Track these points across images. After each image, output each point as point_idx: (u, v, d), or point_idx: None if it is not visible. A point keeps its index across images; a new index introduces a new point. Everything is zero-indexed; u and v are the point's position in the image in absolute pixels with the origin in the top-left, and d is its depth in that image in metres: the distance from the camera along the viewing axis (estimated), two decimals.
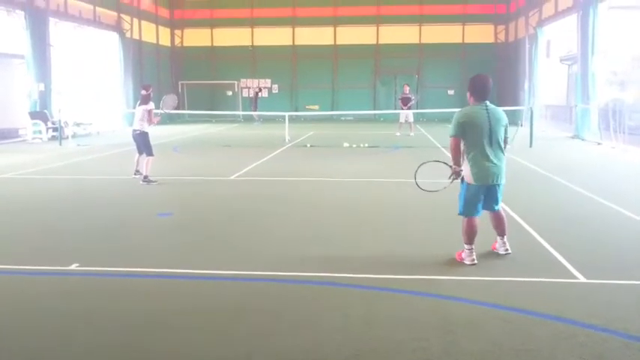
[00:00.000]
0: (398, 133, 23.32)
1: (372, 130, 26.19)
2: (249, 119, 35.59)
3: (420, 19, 36.91)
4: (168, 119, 11.60)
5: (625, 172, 13.62)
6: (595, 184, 11.26)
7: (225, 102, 37.63)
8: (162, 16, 37.39)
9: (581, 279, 5.74)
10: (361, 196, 10.50)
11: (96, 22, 28.44)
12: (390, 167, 14.33)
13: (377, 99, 36.43)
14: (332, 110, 34.95)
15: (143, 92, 12.19)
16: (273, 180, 12.51)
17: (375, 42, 37.46)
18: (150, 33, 35.26)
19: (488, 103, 6.16)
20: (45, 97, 23.19)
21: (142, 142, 12.02)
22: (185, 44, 39.16)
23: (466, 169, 6.17)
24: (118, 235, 7.77)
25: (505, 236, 6.52)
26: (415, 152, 17.57)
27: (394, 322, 4.74)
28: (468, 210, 6.23)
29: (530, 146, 18.24)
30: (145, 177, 11.77)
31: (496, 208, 6.36)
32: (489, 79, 6.24)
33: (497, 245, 6.58)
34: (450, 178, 6.31)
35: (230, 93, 38.48)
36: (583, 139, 21.03)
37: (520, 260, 6.41)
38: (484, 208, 6.33)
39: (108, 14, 29.75)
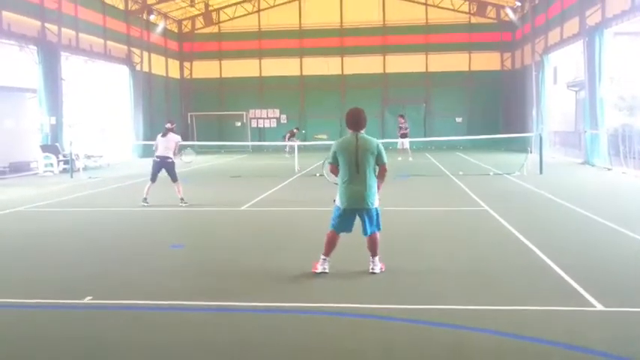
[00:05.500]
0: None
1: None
2: (257, 150, 35.77)
3: (427, 48, 37.25)
4: (177, 151, 12.53)
5: (638, 198, 13.53)
6: (608, 211, 11.17)
7: (234, 133, 37.88)
8: (172, 48, 37.94)
9: (599, 307, 5.66)
10: None
11: (106, 55, 28.89)
12: (401, 195, 14.28)
13: (385, 128, 36.54)
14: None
15: (168, 125, 13.12)
16: (283, 210, 12.53)
17: (382, 71, 37.77)
18: (159, 65, 35.75)
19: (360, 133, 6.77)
20: (56, 131, 23.44)
21: (170, 170, 12.84)
22: (194, 76, 39.64)
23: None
24: (131, 267, 7.76)
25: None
26: (426, 180, 17.57)
27: (409, 352, 4.69)
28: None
29: (541, 173, 18.19)
30: (182, 199, 12.81)
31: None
32: (357, 111, 6.85)
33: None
34: None
35: (239, 124, 38.76)
36: (593, 165, 20.97)
37: (535, 288, 6.35)
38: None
39: (118, 48, 30.22)
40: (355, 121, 6.78)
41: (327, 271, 6.86)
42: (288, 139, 30.51)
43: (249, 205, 13.12)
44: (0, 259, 8.39)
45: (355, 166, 6.64)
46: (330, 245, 6.89)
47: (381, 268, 6.91)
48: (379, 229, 6.88)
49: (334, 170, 6.94)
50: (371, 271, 6.83)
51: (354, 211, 6.77)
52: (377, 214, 6.82)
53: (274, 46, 38.16)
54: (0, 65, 22.22)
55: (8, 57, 22.50)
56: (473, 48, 37.11)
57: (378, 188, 6.87)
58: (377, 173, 6.83)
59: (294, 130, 31.58)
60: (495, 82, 36.93)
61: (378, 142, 6.82)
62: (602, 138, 20.88)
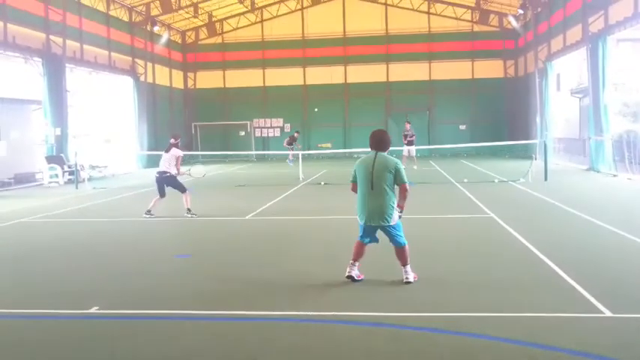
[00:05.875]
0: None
1: None
2: (261, 159, 35.87)
3: (430, 56, 37.33)
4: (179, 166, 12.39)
5: None
6: (615, 217, 11.14)
7: (238, 142, 37.97)
8: (176, 59, 38.10)
9: (608, 313, 5.63)
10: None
11: (111, 67, 29.02)
12: (406, 203, 14.21)
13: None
14: (344, 148, 35.15)
15: (172, 141, 13.05)
16: (288, 219, 12.52)
17: (385, 79, 37.84)
18: (163, 76, 35.89)
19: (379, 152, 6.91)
20: (61, 142, 23.53)
21: (173, 184, 12.83)
22: (198, 86, 39.77)
23: (396, 209, 6.88)
24: (137, 277, 7.76)
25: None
26: (431, 187, 17.54)
27: (418, 359, 4.67)
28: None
29: (546, 180, 18.14)
30: (188, 209, 12.72)
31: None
32: (380, 133, 7.00)
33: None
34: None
35: (243, 133, 38.84)
36: (598, 172, 20.91)
37: (543, 295, 6.32)
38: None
39: (122, 59, 30.37)
40: (377, 141, 6.93)
41: (352, 274, 6.93)
42: (289, 145, 30.58)
43: (254, 214, 13.12)
44: (5, 270, 8.40)
45: (370, 183, 6.76)
46: (357, 252, 7.02)
47: (415, 278, 6.87)
48: (404, 242, 6.90)
49: (354, 189, 7.07)
50: (405, 280, 6.80)
51: (372, 227, 6.88)
52: (398, 231, 6.87)
53: (277, 55, 38.30)
54: (5, 77, 22.34)
55: (13, 69, 22.62)
56: (476, 56, 37.16)
57: (400, 206, 6.92)
58: (398, 192, 6.90)
59: (295, 135, 31.55)
60: (499, 89, 36.95)
61: (398, 161, 6.89)
62: (607, 144, 20.84)
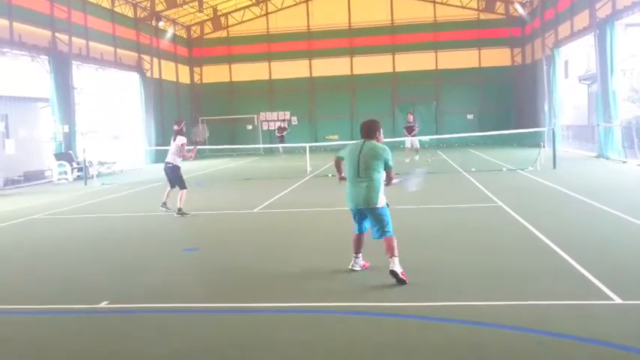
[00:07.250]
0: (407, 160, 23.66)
1: (394, 157, 26.09)
2: (269, 152, 35.90)
3: (436, 46, 37.16)
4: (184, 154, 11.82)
5: None
6: (625, 204, 11.06)
7: (246, 136, 37.99)
8: (181, 54, 38.12)
9: (617, 300, 5.60)
10: None
11: (117, 63, 29.08)
12: (414, 193, 14.16)
13: (396, 126, 36.46)
14: (352, 139, 34.99)
15: (175, 127, 12.67)
16: (296, 211, 12.53)
17: (391, 70, 37.72)
18: (169, 71, 35.93)
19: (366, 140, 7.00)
20: (69, 139, 23.64)
21: (174, 176, 12.41)
22: (204, 81, 39.80)
23: (383, 194, 6.86)
24: (146, 271, 7.80)
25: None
26: (438, 177, 17.48)
27: (429, 349, 4.67)
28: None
29: (554, 167, 18.05)
30: (179, 209, 12.13)
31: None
32: (368, 122, 7.13)
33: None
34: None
35: (250, 127, 38.86)
36: (608, 158, 20.78)
37: (553, 283, 6.30)
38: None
39: (128, 55, 30.42)
40: (365, 130, 7.10)
41: (355, 268, 7.10)
42: (281, 133, 30.69)
43: (262, 207, 13.13)
44: (16, 267, 8.46)
45: (356, 170, 6.88)
46: (356, 245, 7.16)
47: (402, 274, 6.50)
48: (390, 233, 6.76)
49: (337, 164, 7.39)
50: (390, 268, 6.58)
51: (360, 211, 6.96)
52: (384, 216, 6.82)
53: (283, 48, 38.24)
54: (12, 76, 22.42)
55: (20, 67, 22.71)
56: (482, 44, 36.94)
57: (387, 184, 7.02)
58: (385, 176, 6.95)
59: (282, 125, 31.55)
60: (506, 77, 36.76)
61: (386, 148, 6.95)
62: (616, 131, 20.70)
